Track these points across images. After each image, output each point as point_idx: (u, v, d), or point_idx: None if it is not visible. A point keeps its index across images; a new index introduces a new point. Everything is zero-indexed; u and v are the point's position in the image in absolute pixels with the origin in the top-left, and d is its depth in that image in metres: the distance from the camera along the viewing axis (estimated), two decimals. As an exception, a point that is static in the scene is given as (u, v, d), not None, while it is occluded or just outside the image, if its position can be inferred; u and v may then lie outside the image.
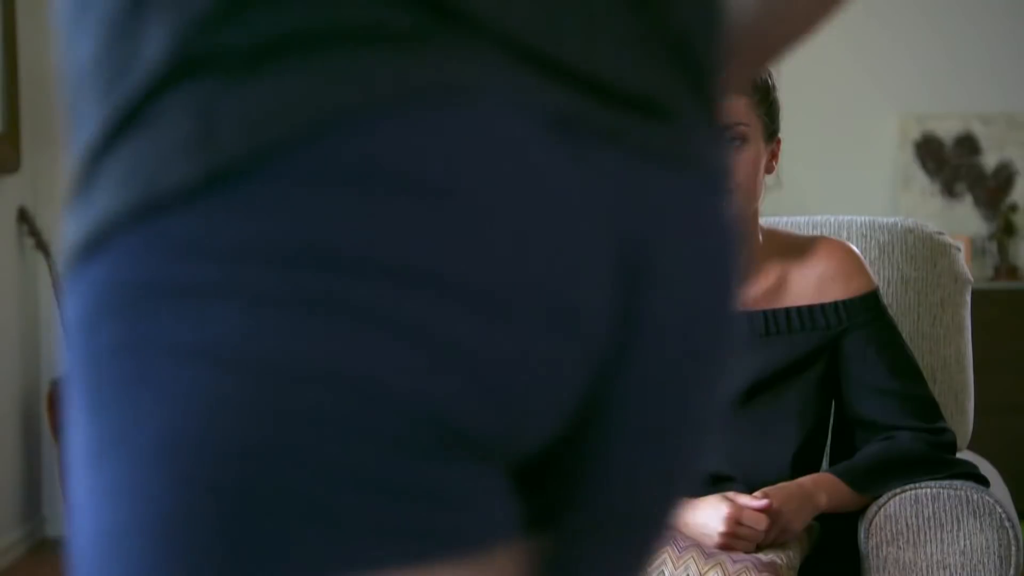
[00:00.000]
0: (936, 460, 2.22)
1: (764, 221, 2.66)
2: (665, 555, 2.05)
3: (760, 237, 2.32)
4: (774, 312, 2.29)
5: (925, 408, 2.27)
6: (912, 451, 2.22)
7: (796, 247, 2.33)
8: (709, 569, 2.04)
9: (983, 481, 2.20)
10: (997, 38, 5.67)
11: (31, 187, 5.12)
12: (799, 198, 5.61)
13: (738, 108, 2.21)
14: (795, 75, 5.71)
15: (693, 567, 2.04)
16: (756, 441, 2.26)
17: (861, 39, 5.70)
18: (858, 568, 2.19)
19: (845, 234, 2.59)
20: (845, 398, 2.30)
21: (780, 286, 2.31)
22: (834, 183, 5.68)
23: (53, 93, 5.66)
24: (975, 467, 2.22)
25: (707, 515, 2.11)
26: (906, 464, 2.20)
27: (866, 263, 2.35)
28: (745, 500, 2.11)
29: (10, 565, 5.13)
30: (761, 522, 2.09)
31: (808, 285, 2.30)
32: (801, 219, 2.65)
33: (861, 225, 2.61)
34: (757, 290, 2.31)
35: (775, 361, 2.28)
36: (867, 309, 2.29)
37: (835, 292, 2.30)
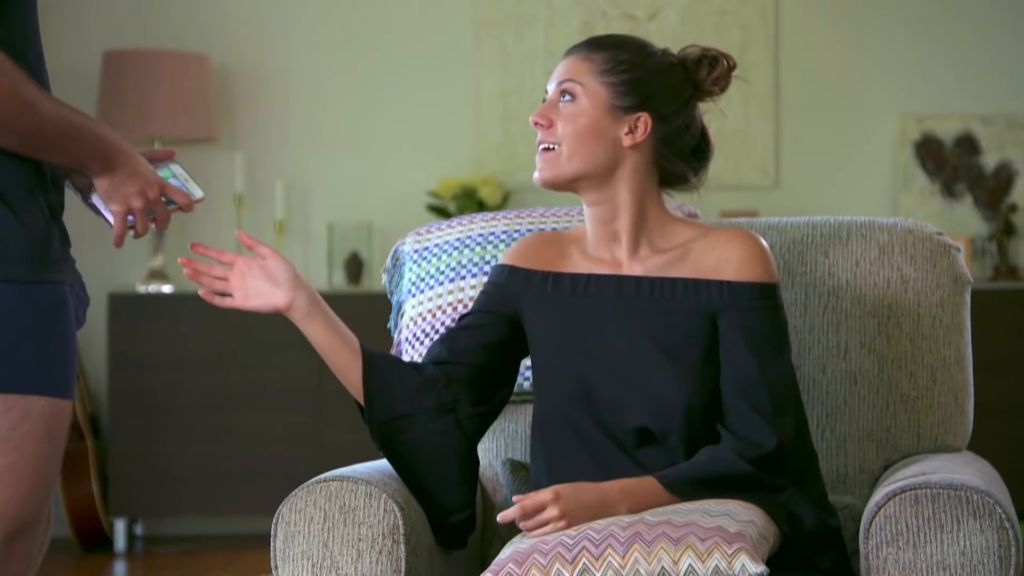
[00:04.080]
0: (750, 479, 2.24)
1: (765, 221, 2.66)
2: (636, 553, 2.06)
3: (671, 208, 2.41)
4: (662, 280, 2.34)
5: (759, 413, 2.28)
6: (731, 470, 2.24)
7: (705, 231, 2.39)
8: (681, 554, 2.05)
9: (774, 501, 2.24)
10: (997, 38, 5.67)
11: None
12: (799, 198, 5.61)
13: (577, 68, 2.35)
14: (795, 75, 5.71)
15: (665, 557, 2.05)
16: (642, 408, 2.29)
17: (861, 39, 5.70)
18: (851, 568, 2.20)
19: (845, 234, 2.60)
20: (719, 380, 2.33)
21: (679, 259, 2.36)
22: (834, 183, 5.68)
23: (53, 93, 5.66)
24: (783, 486, 2.25)
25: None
26: (725, 483, 2.23)
27: (772, 259, 2.36)
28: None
29: (10, 565, 5.13)
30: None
31: (706, 263, 2.34)
32: (801, 219, 2.65)
33: (861, 225, 2.61)
34: (653, 263, 2.36)
35: (655, 329, 2.32)
36: (752, 297, 2.31)
37: (727, 273, 2.33)
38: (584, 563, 2.07)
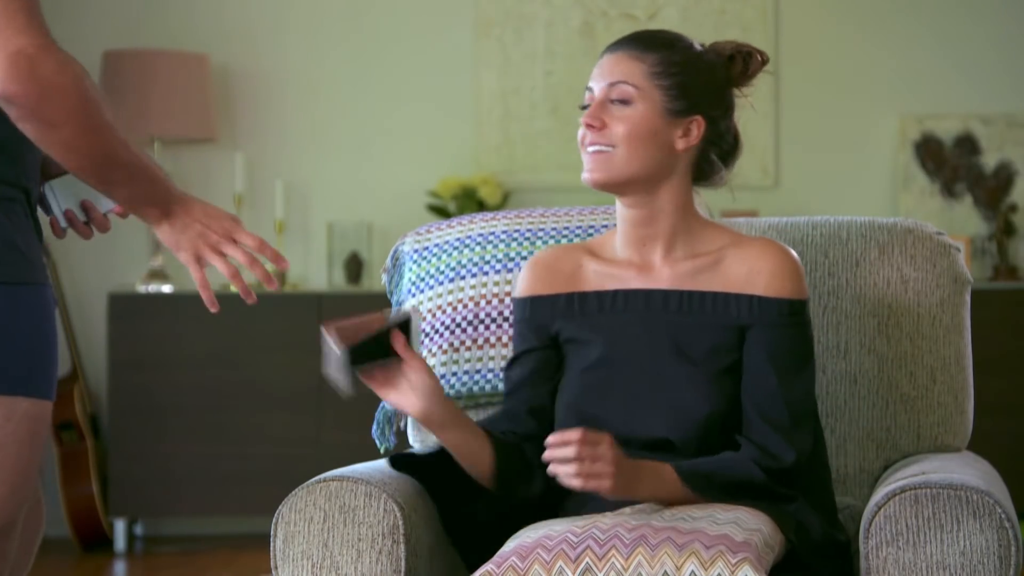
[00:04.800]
0: (763, 488, 2.24)
1: (765, 221, 2.66)
2: (639, 556, 2.05)
3: (702, 213, 2.39)
4: (690, 294, 2.33)
5: (781, 429, 2.28)
6: (747, 477, 2.24)
7: (737, 239, 2.37)
8: (684, 560, 2.04)
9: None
10: (997, 38, 5.67)
11: (31, 187, 5.12)
12: (799, 198, 5.61)
13: (629, 69, 2.31)
14: (795, 75, 5.71)
15: (668, 562, 2.04)
16: (663, 419, 2.28)
17: (861, 40, 5.70)
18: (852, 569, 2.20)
19: (845, 234, 2.59)
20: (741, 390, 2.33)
21: (710, 269, 2.34)
22: (834, 183, 5.67)
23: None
24: (793, 497, 2.25)
25: None
26: (737, 487, 2.23)
27: (803, 274, 2.35)
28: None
29: (10, 565, 5.13)
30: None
31: (739, 275, 2.33)
32: (801, 219, 2.65)
33: (861, 225, 2.61)
34: (685, 268, 2.34)
35: (682, 341, 2.31)
36: (781, 313, 2.31)
37: (758, 287, 2.32)
38: (587, 562, 2.07)
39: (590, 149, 2.31)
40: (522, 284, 2.43)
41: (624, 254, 2.38)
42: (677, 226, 2.35)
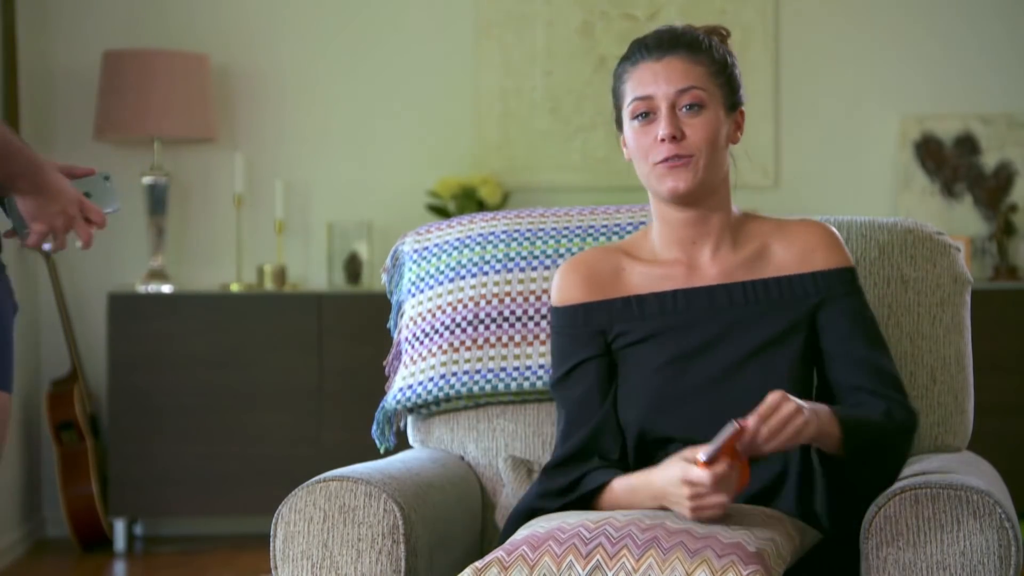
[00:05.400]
0: (904, 444, 2.26)
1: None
2: (651, 558, 2.04)
3: (733, 209, 2.40)
4: (753, 284, 2.34)
5: (897, 384, 2.31)
6: (899, 428, 2.25)
7: (777, 224, 2.40)
8: (695, 567, 2.03)
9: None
10: (997, 39, 5.67)
11: (31, 187, 5.11)
12: (799, 198, 5.61)
13: (695, 74, 2.30)
14: (796, 75, 5.71)
15: (680, 567, 2.03)
16: (743, 412, 2.26)
17: (861, 40, 5.70)
18: (857, 571, 2.20)
19: (845, 234, 2.60)
20: (825, 368, 2.33)
21: (759, 257, 2.36)
22: (834, 183, 5.67)
23: (53, 93, 5.67)
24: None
25: (671, 490, 2.12)
26: (886, 434, 2.24)
27: (844, 244, 2.39)
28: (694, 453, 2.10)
29: (10, 565, 5.13)
30: (705, 479, 2.07)
31: (791, 256, 2.36)
32: (801, 219, 2.65)
33: (861, 225, 2.61)
34: (733, 261, 2.35)
35: (757, 332, 2.31)
36: (844, 283, 2.34)
37: (816, 263, 2.34)
38: (598, 560, 2.06)
39: (668, 160, 2.29)
40: (566, 291, 2.41)
41: (668, 254, 2.38)
42: (725, 222, 2.37)
